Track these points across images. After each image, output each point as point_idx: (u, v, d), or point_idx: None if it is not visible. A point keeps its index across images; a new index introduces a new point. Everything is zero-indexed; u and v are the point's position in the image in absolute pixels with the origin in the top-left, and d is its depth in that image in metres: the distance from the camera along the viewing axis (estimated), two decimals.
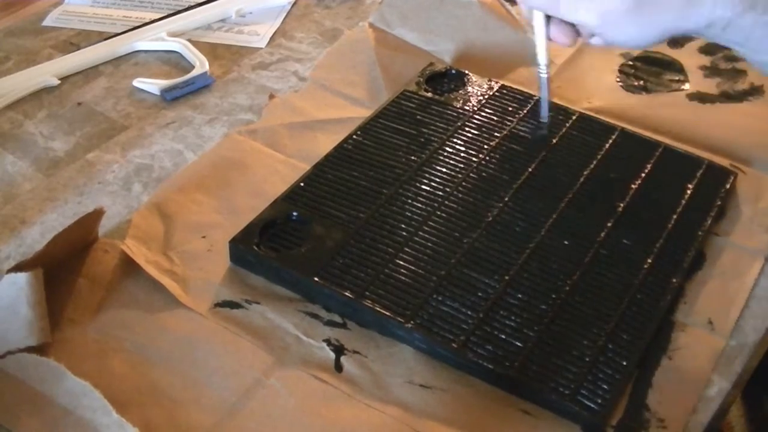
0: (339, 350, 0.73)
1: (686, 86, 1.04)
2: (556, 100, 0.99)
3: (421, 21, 1.11)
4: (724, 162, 0.92)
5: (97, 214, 0.80)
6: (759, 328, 0.77)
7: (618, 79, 1.05)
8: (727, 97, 1.02)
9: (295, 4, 1.20)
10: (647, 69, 1.07)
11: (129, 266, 0.79)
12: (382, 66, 1.04)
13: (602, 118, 0.97)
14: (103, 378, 0.68)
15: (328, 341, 0.74)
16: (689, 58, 1.08)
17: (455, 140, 0.92)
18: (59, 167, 0.91)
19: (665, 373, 0.72)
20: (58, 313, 0.74)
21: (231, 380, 0.70)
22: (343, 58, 1.08)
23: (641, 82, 1.05)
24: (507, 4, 1.14)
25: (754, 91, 1.03)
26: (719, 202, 0.86)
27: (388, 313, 0.73)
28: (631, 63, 1.08)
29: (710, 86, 1.04)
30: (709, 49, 1.10)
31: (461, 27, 1.09)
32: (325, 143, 0.92)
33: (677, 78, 1.05)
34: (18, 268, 0.72)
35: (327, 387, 0.70)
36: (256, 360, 0.72)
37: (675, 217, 0.84)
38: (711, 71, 1.06)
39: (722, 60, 1.08)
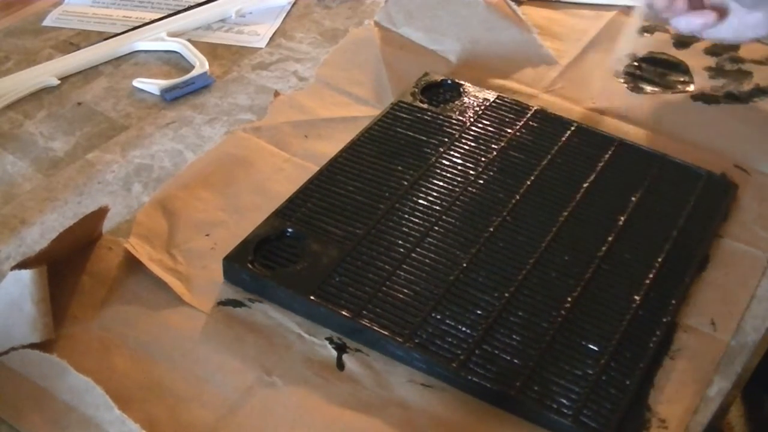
0: (341, 348, 0.73)
1: (691, 87, 1.04)
2: (559, 101, 0.99)
3: (426, 20, 1.11)
4: (728, 163, 0.92)
5: (101, 212, 0.80)
6: (759, 328, 0.76)
7: (623, 80, 1.05)
8: (732, 98, 1.02)
9: (295, 4, 1.20)
10: (652, 69, 1.07)
11: (132, 264, 0.78)
12: (387, 65, 1.04)
13: (606, 118, 0.97)
14: (106, 374, 0.68)
15: (330, 339, 0.74)
16: (694, 59, 1.08)
17: (452, 153, 0.90)
18: (59, 167, 0.91)
19: (667, 373, 0.72)
20: (61, 309, 0.74)
21: (233, 378, 0.70)
22: (348, 56, 1.08)
23: (646, 83, 1.05)
24: (513, 4, 1.14)
25: (760, 93, 1.02)
26: (721, 214, 0.85)
27: (386, 333, 0.72)
28: (636, 63, 1.08)
29: (715, 87, 1.04)
30: (715, 50, 1.10)
31: (467, 26, 1.09)
32: (329, 142, 0.92)
33: (682, 79, 1.05)
34: (22, 265, 0.71)
35: (329, 385, 0.70)
36: (258, 358, 0.72)
37: (676, 230, 0.82)
38: (716, 72, 1.06)
39: (728, 61, 1.08)
